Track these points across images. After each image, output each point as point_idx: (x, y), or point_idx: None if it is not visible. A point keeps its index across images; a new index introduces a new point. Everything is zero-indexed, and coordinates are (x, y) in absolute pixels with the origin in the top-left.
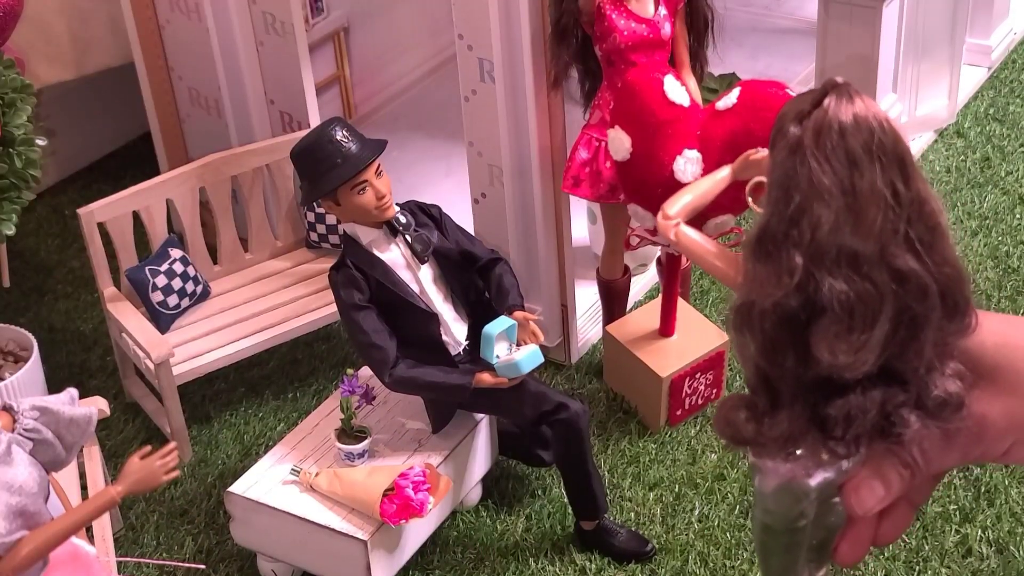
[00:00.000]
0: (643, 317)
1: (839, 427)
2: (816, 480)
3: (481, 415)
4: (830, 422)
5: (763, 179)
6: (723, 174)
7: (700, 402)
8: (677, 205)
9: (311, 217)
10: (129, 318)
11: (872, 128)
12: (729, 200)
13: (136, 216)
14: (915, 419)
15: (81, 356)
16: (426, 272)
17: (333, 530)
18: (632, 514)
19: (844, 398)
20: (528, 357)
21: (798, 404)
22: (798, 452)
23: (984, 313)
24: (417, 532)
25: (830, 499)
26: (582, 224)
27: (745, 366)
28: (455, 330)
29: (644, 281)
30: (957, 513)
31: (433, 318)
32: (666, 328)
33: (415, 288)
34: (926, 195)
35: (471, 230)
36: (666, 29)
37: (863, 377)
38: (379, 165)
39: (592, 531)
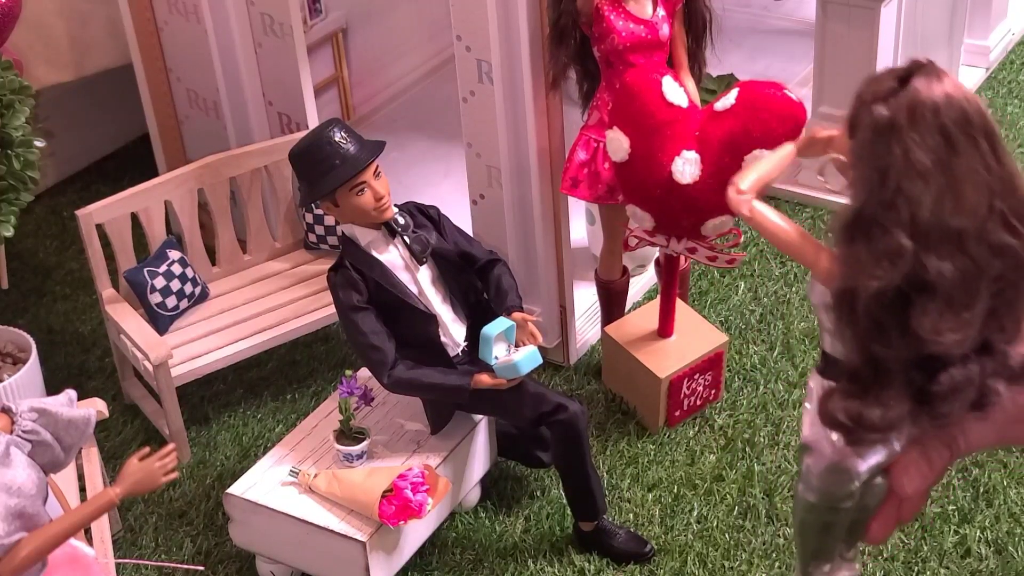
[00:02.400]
0: (642, 318)
1: (947, 401)
2: (867, 464)
3: (480, 416)
4: (938, 398)
5: (837, 157)
6: (787, 151)
7: (699, 403)
8: (749, 180)
9: (309, 218)
10: (128, 319)
11: (964, 107)
12: (726, 200)
13: (135, 217)
14: (1003, 388)
15: (80, 358)
16: (425, 273)
17: (332, 531)
18: (631, 515)
19: (947, 372)
20: (527, 358)
21: (901, 383)
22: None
23: None
24: (416, 533)
25: (871, 480)
26: (580, 225)
27: (849, 348)
28: (454, 331)
29: (643, 282)
30: (956, 514)
31: (432, 319)
32: (665, 329)
33: (414, 289)
34: (1014, 170)
35: (470, 231)
36: (664, 30)
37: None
38: (377, 166)
39: (591, 532)
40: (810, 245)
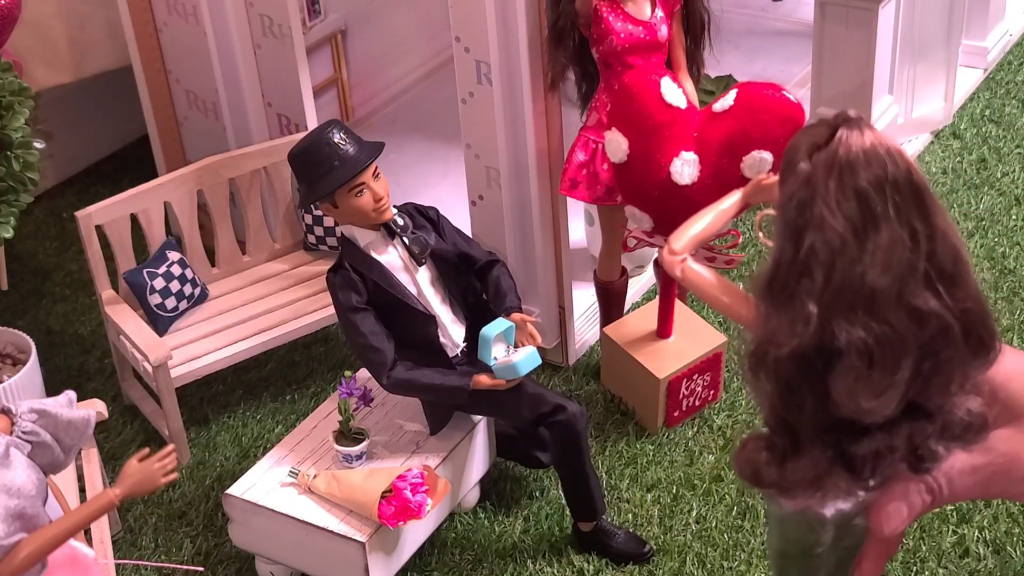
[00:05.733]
0: (640, 319)
1: (867, 466)
2: (831, 511)
3: (479, 417)
4: (858, 462)
5: (772, 212)
6: (731, 202)
7: (698, 404)
8: (683, 239)
9: (309, 219)
10: (127, 321)
11: (884, 163)
12: None
13: (134, 219)
14: (943, 450)
15: (79, 359)
16: (424, 274)
17: (331, 532)
18: (630, 515)
19: (870, 437)
20: (526, 359)
21: (819, 446)
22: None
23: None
24: (415, 534)
25: (848, 523)
26: (579, 226)
27: (762, 407)
28: (453, 332)
29: (641, 283)
30: (954, 514)
31: (431, 320)
32: (663, 330)
33: (413, 290)
34: (946, 229)
35: (468, 232)
36: (663, 31)
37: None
38: (377, 167)
39: (590, 532)
40: (741, 305)
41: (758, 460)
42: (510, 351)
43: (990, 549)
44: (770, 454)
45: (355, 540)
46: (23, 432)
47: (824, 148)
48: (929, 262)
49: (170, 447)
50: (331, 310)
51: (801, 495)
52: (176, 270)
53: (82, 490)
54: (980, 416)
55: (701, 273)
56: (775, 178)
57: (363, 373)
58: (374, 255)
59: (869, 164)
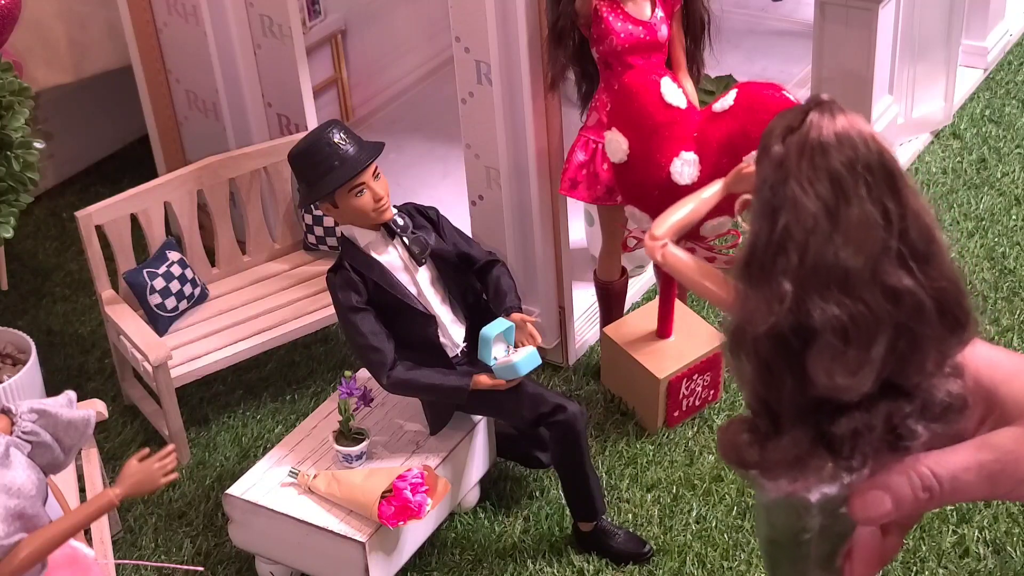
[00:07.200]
0: (640, 319)
1: (846, 445)
2: (816, 496)
3: (479, 417)
4: (837, 441)
5: (750, 196)
6: (712, 190)
7: (698, 404)
8: (664, 225)
9: (309, 219)
10: (127, 321)
11: (855, 145)
12: (726, 202)
13: (134, 219)
14: (922, 429)
15: (79, 359)
16: (424, 274)
17: (331, 532)
18: (630, 515)
19: (848, 415)
20: (526, 359)
21: (800, 426)
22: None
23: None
24: (415, 534)
25: (836, 510)
26: (579, 226)
27: (744, 389)
28: (453, 332)
29: (641, 283)
30: (954, 514)
31: (431, 320)
32: (663, 330)
33: (413, 290)
34: (918, 209)
35: (468, 232)
36: (663, 31)
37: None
38: (377, 167)
39: (590, 532)
40: (721, 288)
41: (740, 441)
42: (510, 351)
43: (990, 549)
44: (752, 435)
45: (355, 540)
46: (23, 432)
47: (796, 131)
48: (902, 241)
49: (170, 447)
50: (331, 310)
51: (783, 476)
52: (176, 270)
53: (82, 490)
54: (960, 398)
55: (681, 257)
56: (755, 167)
57: (363, 373)
58: (374, 255)
59: (841, 146)
